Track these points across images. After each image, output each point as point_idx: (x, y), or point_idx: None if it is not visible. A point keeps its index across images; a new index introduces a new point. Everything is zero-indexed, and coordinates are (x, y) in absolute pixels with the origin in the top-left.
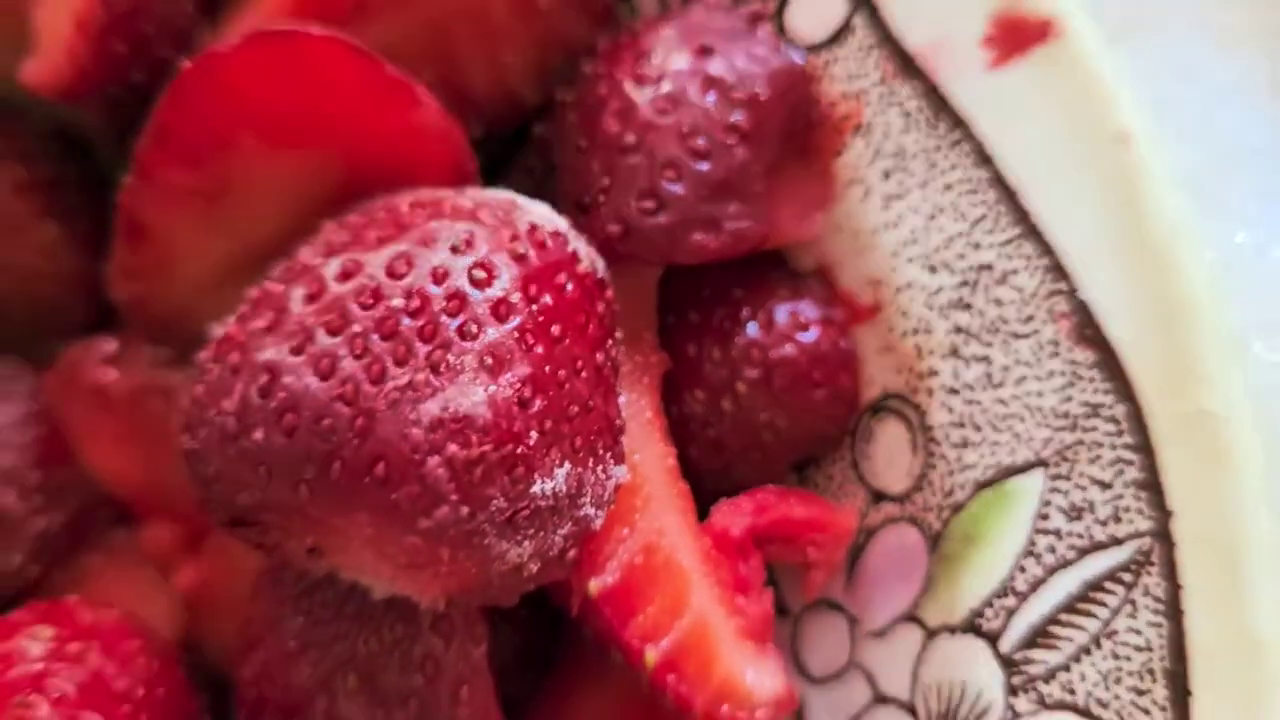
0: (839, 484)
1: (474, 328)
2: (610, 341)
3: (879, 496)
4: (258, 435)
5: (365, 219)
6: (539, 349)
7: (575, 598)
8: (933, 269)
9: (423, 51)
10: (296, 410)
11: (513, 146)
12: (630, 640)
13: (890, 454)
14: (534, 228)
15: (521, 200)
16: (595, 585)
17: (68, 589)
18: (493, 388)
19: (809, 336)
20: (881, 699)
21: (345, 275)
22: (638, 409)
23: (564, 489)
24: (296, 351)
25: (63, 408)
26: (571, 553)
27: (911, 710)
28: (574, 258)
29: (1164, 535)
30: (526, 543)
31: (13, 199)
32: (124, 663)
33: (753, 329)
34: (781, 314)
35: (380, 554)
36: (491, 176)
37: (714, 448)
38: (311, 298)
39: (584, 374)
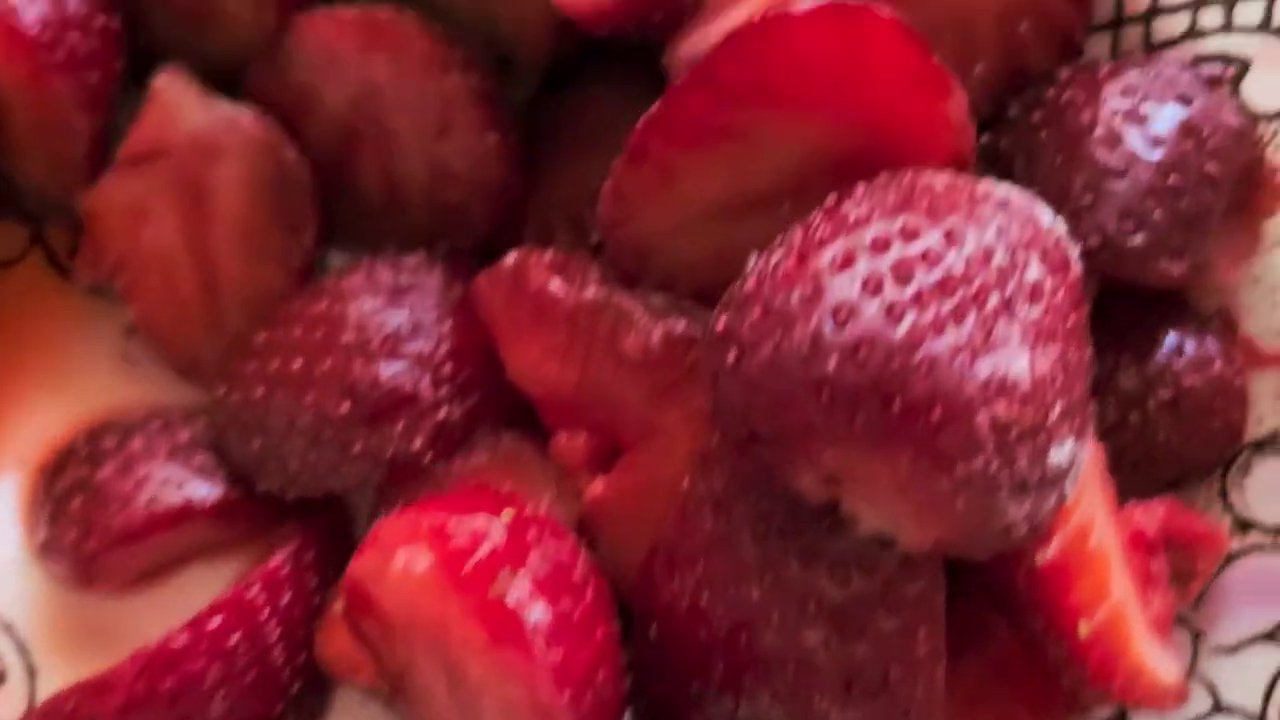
0: (1201, 507)
1: (1017, 304)
2: (1087, 337)
3: (1245, 525)
4: (830, 364)
5: (904, 192)
6: (1060, 334)
7: (1023, 565)
8: None
9: None
10: (872, 346)
11: None
12: (1067, 611)
13: (1269, 488)
14: (1050, 229)
15: (1036, 200)
16: (1040, 557)
17: (452, 484)
18: (1033, 360)
19: (1216, 370)
20: (1224, 709)
21: (907, 235)
22: None
23: (1065, 463)
24: (870, 294)
25: (495, 309)
26: (1048, 522)
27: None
28: (1071, 261)
29: None
30: (1026, 505)
31: (468, 106)
32: (574, 554)
33: (1167, 354)
34: (1192, 345)
35: (902, 492)
36: None
37: (1114, 453)
38: (879, 247)
39: (1081, 361)
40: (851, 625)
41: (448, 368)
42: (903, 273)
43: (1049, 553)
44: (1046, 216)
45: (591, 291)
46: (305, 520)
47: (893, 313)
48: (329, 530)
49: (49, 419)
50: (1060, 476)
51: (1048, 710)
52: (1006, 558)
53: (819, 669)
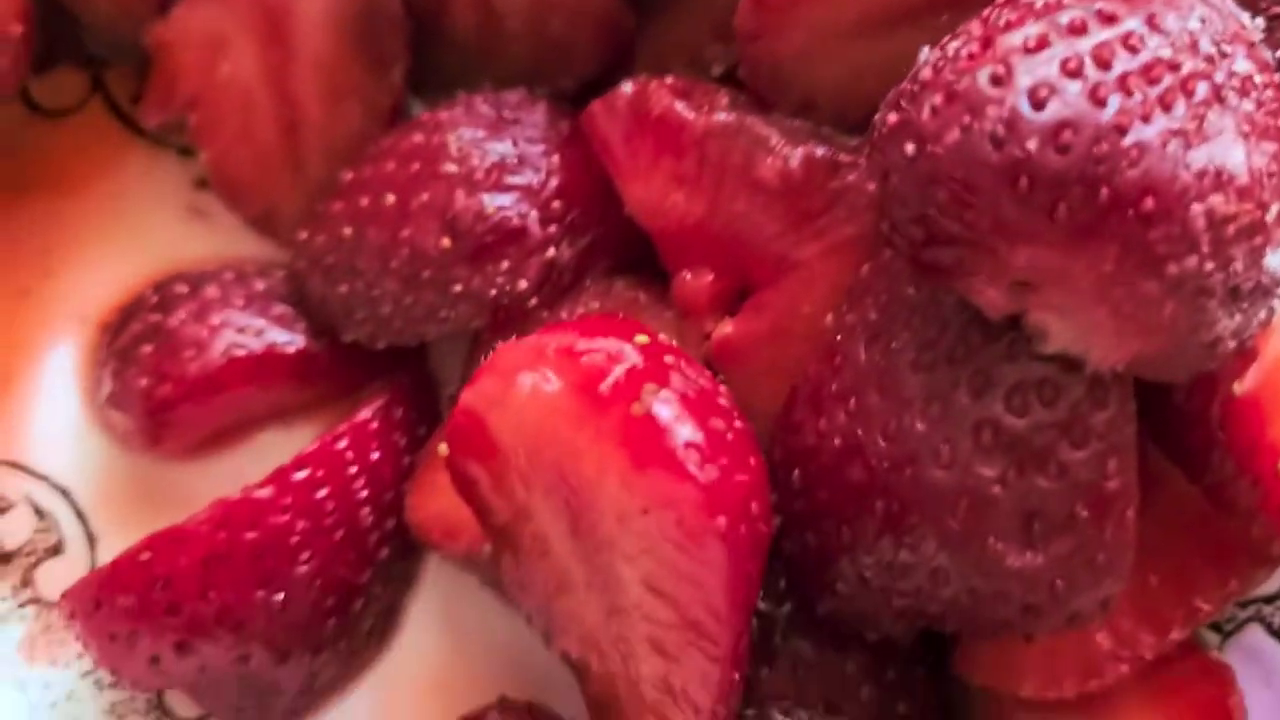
0: None
1: (1227, 95)
2: None
3: None
4: (1030, 146)
5: None
6: (1274, 130)
7: (1217, 396)
8: None
9: None
10: (1075, 129)
11: None
12: (1265, 449)
13: None
14: (1250, 28)
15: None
16: (1237, 388)
17: None
18: (1250, 153)
19: None
20: None
21: (1104, 19)
22: None
23: None
24: (1070, 75)
25: (613, 136)
26: (1252, 341)
27: None
28: (1273, 65)
29: None
30: (1237, 317)
31: None
32: (715, 382)
33: None
34: None
35: (1103, 296)
36: None
37: None
38: (1074, 30)
39: None
40: (1032, 458)
41: (557, 204)
42: (1103, 57)
43: (1245, 384)
44: (1245, 15)
45: (722, 115)
46: (391, 379)
47: (1096, 95)
48: (416, 389)
49: (112, 275)
50: (1274, 286)
51: (1232, 563)
52: (1198, 388)
53: (994, 507)
